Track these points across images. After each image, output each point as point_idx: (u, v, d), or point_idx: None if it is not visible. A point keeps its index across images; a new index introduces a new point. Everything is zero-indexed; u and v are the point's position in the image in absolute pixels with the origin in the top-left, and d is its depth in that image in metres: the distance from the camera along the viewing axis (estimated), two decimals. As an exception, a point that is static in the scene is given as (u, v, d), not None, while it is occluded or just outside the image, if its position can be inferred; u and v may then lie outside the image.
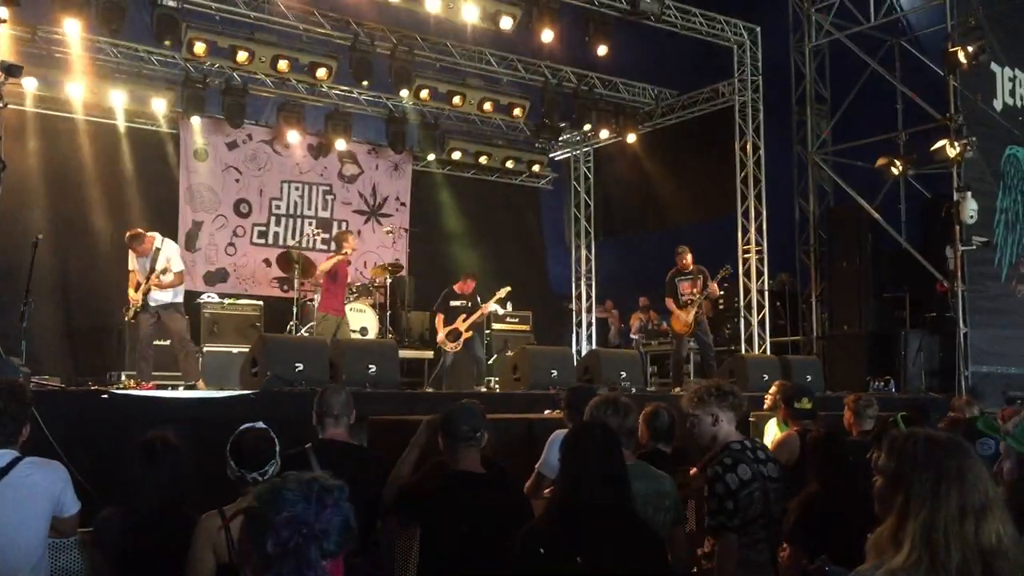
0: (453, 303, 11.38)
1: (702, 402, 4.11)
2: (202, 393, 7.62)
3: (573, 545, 3.13)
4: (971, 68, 11.85)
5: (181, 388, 8.37)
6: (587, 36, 12.39)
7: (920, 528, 2.15)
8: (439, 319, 11.40)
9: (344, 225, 15.13)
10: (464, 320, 11.29)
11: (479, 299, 11.51)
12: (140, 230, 9.05)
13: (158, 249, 8.83)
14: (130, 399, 6.51)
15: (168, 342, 9.25)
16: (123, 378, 10.46)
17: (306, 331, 11.21)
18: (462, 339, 11.22)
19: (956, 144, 11.57)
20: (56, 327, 12.24)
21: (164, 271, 8.67)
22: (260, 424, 3.78)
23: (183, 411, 6.55)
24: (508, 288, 11.79)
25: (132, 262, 9.00)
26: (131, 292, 8.96)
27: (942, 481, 2.18)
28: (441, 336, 11.25)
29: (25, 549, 3.62)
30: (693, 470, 4.27)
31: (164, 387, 8.13)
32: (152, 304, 8.76)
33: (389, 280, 12.80)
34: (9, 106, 7.17)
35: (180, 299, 9.05)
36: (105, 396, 6.42)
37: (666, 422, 5.02)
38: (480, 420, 3.95)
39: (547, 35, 11.90)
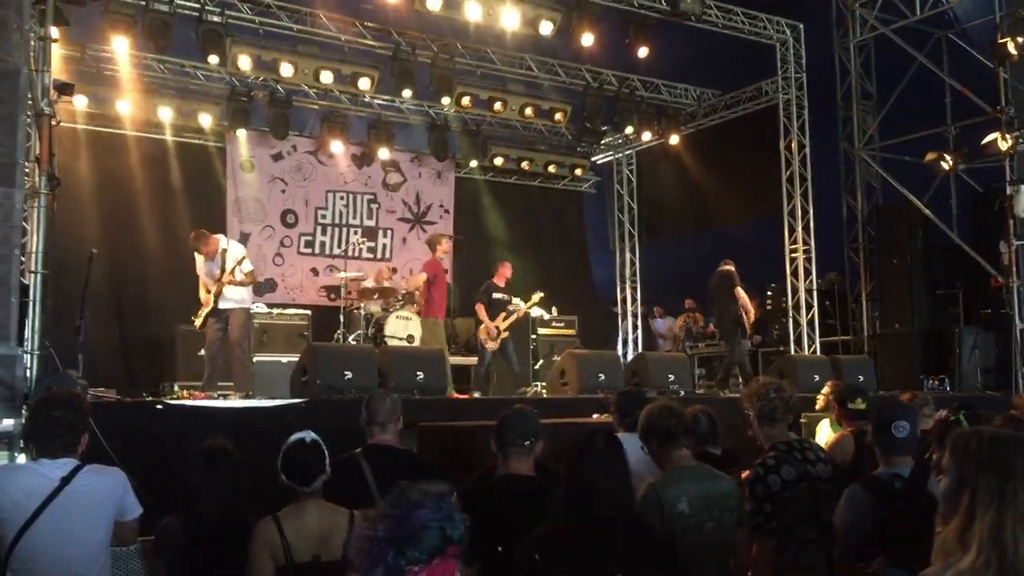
0: (496, 296, 11.32)
1: (750, 402, 4.10)
2: (253, 402, 7.70)
3: (574, 551, 3.10)
4: (1021, 60, 11.60)
5: (233, 397, 8.48)
6: (627, 38, 12.32)
7: (987, 529, 2.10)
8: (481, 309, 11.22)
9: (390, 234, 15.26)
10: (504, 319, 11.31)
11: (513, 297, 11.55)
12: (204, 231, 9.14)
13: (224, 250, 8.90)
14: (183, 409, 6.62)
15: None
16: (176, 388, 10.62)
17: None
18: (500, 338, 11.21)
19: (1008, 137, 11.35)
20: (110, 339, 12.48)
21: (240, 262, 8.72)
22: (310, 435, 3.79)
23: (235, 420, 6.63)
24: (541, 294, 11.73)
25: (199, 266, 9.04)
26: (202, 294, 8.98)
27: (1009, 481, 2.13)
28: (487, 324, 11.09)
29: (88, 556, 3.68)
30: (744, 473, 4.23)
31: (215, 397, 8.23)
32: (222, 307, 8.79)
33: (434, 287, 12.84)
34: (62, 124, 7.31)
35: (250, 305, 9.14)
36: (160, 407, 6.52)
37: (705, 425, 4.99)
38: (533, 426, 3.93)
39: (587, 39, 11.88)
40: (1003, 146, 11.39)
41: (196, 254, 9.07)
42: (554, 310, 13.63)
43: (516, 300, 11.52)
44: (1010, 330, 11.62)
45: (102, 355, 11.96)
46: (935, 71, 13.44)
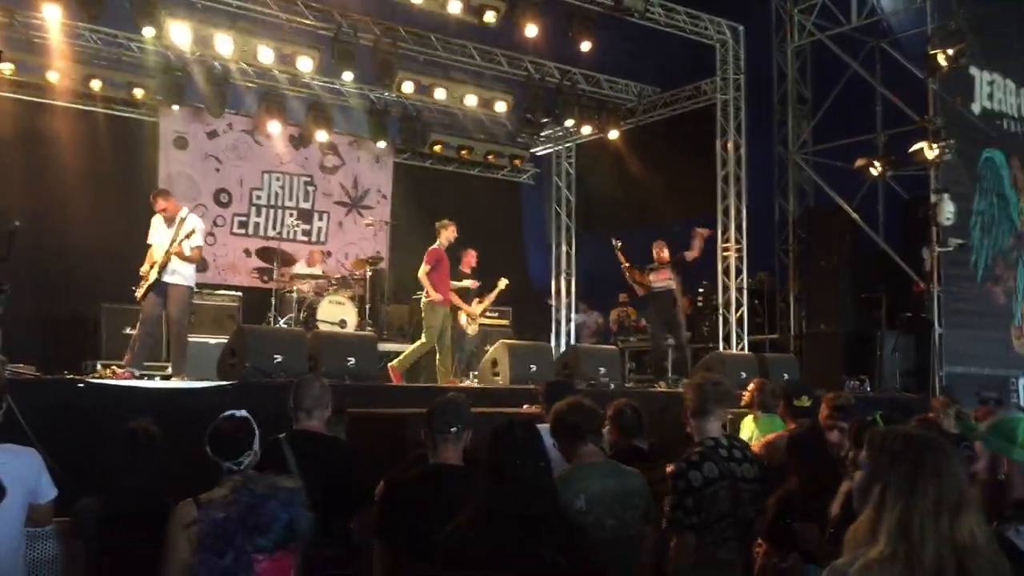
0: (463, 283, 11.41)
1: (687, 394, 4.16)
2: (179, 384, 7.58)
3: (493, 543, 3.11)
4: (950, 71, 11.95)
5: (157, 378, 8.31)
6: (570, 31, 12.35)
7: (896, 521, 2.17)
8: (455, 299, 11.13)
9: (326, 217, 15.11)
10: (479, 303, 11.34)
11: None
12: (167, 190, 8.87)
13: (183, 219, 8.51)
14: (107, 389, 6.48)
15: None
16: (99, 367, 10.37)
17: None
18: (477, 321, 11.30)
19: (934, 146, 11.68)
20: (32, 315, 12.06)
21: (189, 235, 8.34)
22: (242, 412, 3.75)
23: (160, 402, 6.52)
24: (506, 281, 11.79)
25: (152, 235, 8.63)
26: (145, 267, 8.57)
27: (919, 476, 2.21)
28: (466, 310, 11.18)
29: (1, 538, 3.59)
30: (670, 467, 4.29)
31: (139, 377, 8.06)
32: (167, 280, 8.40)
33: (369, 273, 12.79)
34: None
35: (193, 284, 8.85)
36: (81, 385, 6.37)
37: (631, 418, 5.02)
38: (462, 415, 3.94)
39: (531, 30, 11.87)
40: (930, 155, 11.72)
41: (155, 218, 8.65)
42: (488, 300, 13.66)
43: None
44: (930, 335, 12.00)
45: (23, 331, 11.52)
46: (868, 79, 13.75)
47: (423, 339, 10.22)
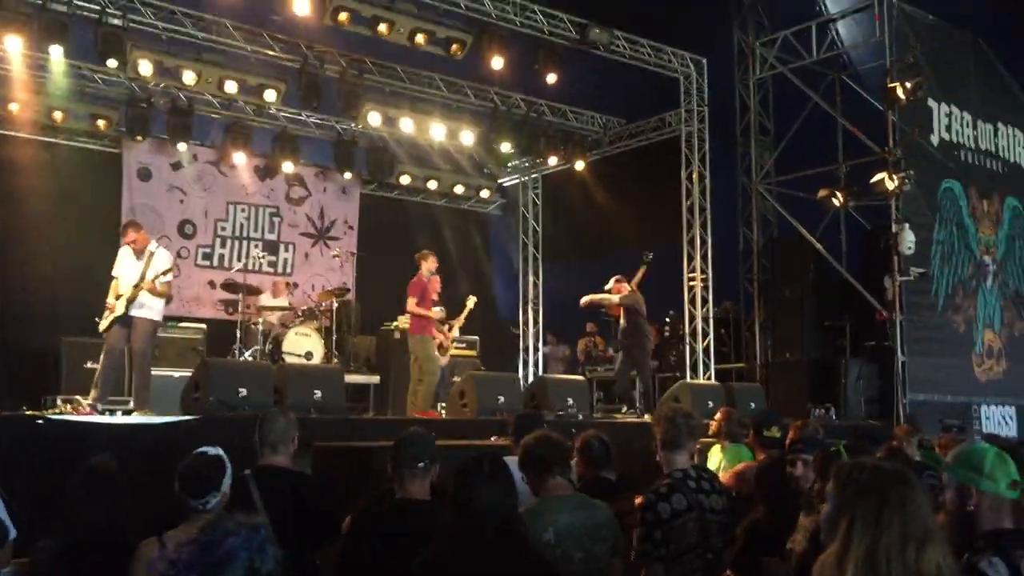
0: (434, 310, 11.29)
1: (658, 427, 4.16)
2: (141, 419, 7.46)
3: (458, 573, 3.09)
4: (909, 103, 12.19)
5: (119, 413, 8.17)
6: (536, 64, 12.47)
7: (864, 555, 2.18)
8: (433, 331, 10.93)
9: (292, 248, 15.03)
10: (449, 331, 11.24)
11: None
12: (138, 222, 8.76)
13: (152, 253, 8.41)
14: (66, 425, 6.36)
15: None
16: (59, 402, 10.18)
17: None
18: (448, 351, 11.19)
19: (894, 177, 11.86)
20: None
21: (166, 272, 8.30)
22: (215, 451, 3.70)
23: (122, 437, 6.41)
24: (474, 298, 11.72)
25: (118, 268, 8.49)
26: (110, 299, 8.39)
27: (885, 508, 2.22)
28: (438, 342, 10.89)
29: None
30: (638, 499, 4.28)
31: (102, 412, 7.92)
32: (133, 313, 8.25)
33: (336, 304, 12.71)
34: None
35: (161, 318, 8.73)
36: (40, 422, 6.25)
37: (599, 450, 5.00)
38: (428, 449, 3.92)
39: (497, 62, 11.96)
40: (890, 186, 11.90)
41: (123, 249, 8.52)
42: (456, 331, 13.61)
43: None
44: (892, 363, 12.13)
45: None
46: (829, 111, 13.98)
47: (427, 372, 10.03)
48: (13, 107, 12.04)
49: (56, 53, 11.29)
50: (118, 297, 8.35)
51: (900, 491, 2.25)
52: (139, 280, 8.27)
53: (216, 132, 14.24)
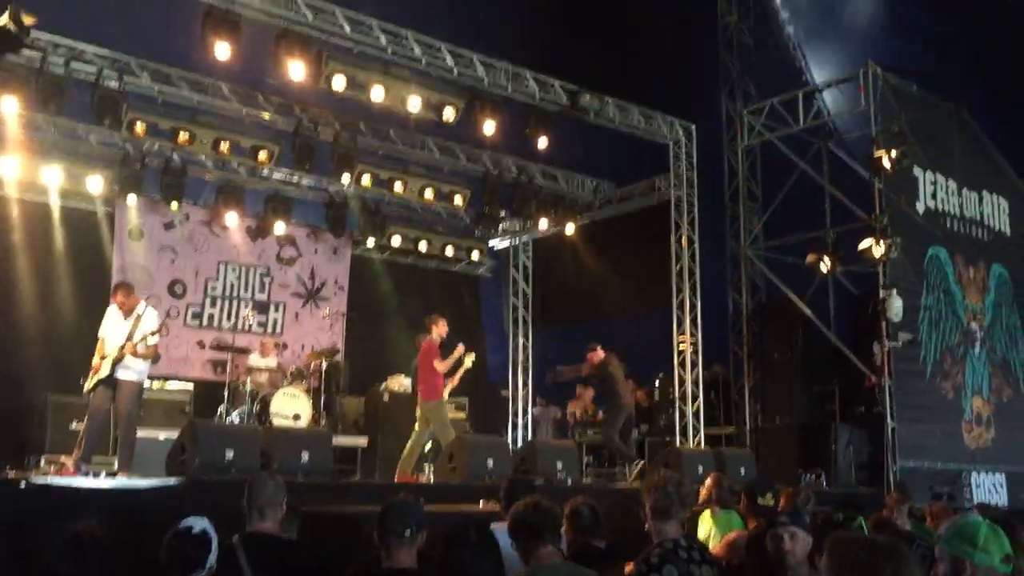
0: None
1: (648, 495, 4.13)
2: (126, 482, 7.37)
3: None
4: (895, 172, 12.37)
5: (103, 475, 8.07)
6: (527, 128, 12.61)
7: None
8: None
9: (282, 308, 15.02)
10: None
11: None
12: (129, 284, 8.81)
13: (139, 316, 8.43)
14: (50, 488, 6.26)
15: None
16: (43, 463, 10.07)
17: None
18: None
19: (881, 244, 11.98)
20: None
21: (155, 333, 8.30)
22: (201, 524, 3.65)
23: (106, 501, 6.32)
24: (472, 354, 11.59)
25: (104, 328, 8.48)
26: (96, 359, 8.37)
27: None
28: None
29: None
30: (628, 567, 4.24)
31: (86, 473, 7.82)
32: (119, 376, 8.26)
33: (325, 365, 12.67)
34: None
35: (145, 380, 8.69)
36: (23, 485, 6.16)
37: (588, 518, 4.94)
38: (415, 516, 3.88)
39: (489, 126, 12.09)
40: (877, 252, 12.02)
41: (111, 308, 8.52)
42: (445, 393, 13.56)
43: None
44: (882, 428, 12.12)
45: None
46: (816, 177, 14.15)
47: (444, 438, 10.05)
48: (5, 167, 12.05)
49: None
50: (103, 357, 8.31)
51: (894, 566, 2.24)
52: (126, 341, 8.24)
53: (209, 192, 14.31)
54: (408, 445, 10.21)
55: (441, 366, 10.25)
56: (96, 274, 13.22)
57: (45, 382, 11.78)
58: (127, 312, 8.42)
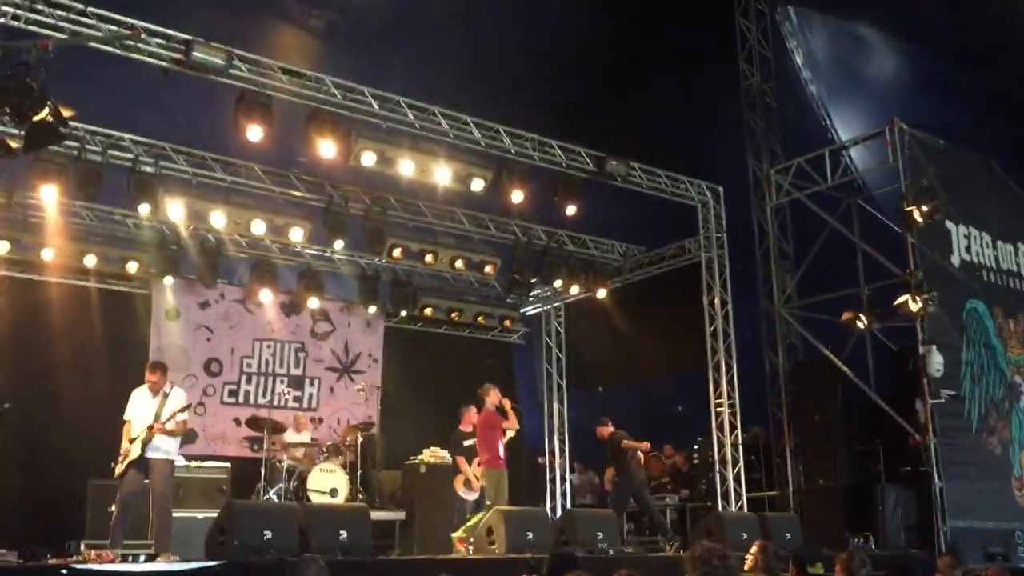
0: (467, 443, 11.37)
1: (692, 568, 4.05)
2: (166, 566, 7.36)
3: None
4: (927, 226, 12.26)
5: (142, 558, 8.06)
6: (555, 196, 12.70)
7: None
8: (461, 460, 11.38)
9: (317, 383, 15.10)
10: (479, 464, 11.16)
11: None
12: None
13: (166, 394, 8.57)
14: (92, 574, 6.26)
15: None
16: (82, 548, 10.06)
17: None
18: (478, 484, 11.12)
19: (918, 299, 11.83)
20: (16, 494, 11.83)
21: (183, 410, 8.47)
22: None
23: (146, 586, 6.31)
24: (515, 430, 11.46)
25: (130, 410, 8.63)
26: (124, 444, 8.52)
27: None
28: (466, 473, 11.23)
29: None
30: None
31: (125, 558, 7.81)
32: (150, 455, 8.39)
33: (360, 439, 12.66)
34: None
35: (178, 458, 8.77)
36: (64, 572, 6.17)
37: None
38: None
39: (517, 195, 12.18)
40: (914, 307, 11.86)
41: (137, 391, 8.69)
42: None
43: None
44: (930, 488, 11.81)
45: (7, 511, 11.37)
46: (847, 234, 14.07)
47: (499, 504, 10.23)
48: (46, 253, 12.32)
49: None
50: (131, 440, 8.41)
51: None
52: (153, 420, 8.34)
53: (243, 270, 14.52)
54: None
55: (513, 425, 10.74)
56: (134, 354, 13.35)
57: (85, 467, 11.87)
58: (155, 391, 8.54)
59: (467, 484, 11.24)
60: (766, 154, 15.34)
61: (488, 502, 10.25)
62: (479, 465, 10.78)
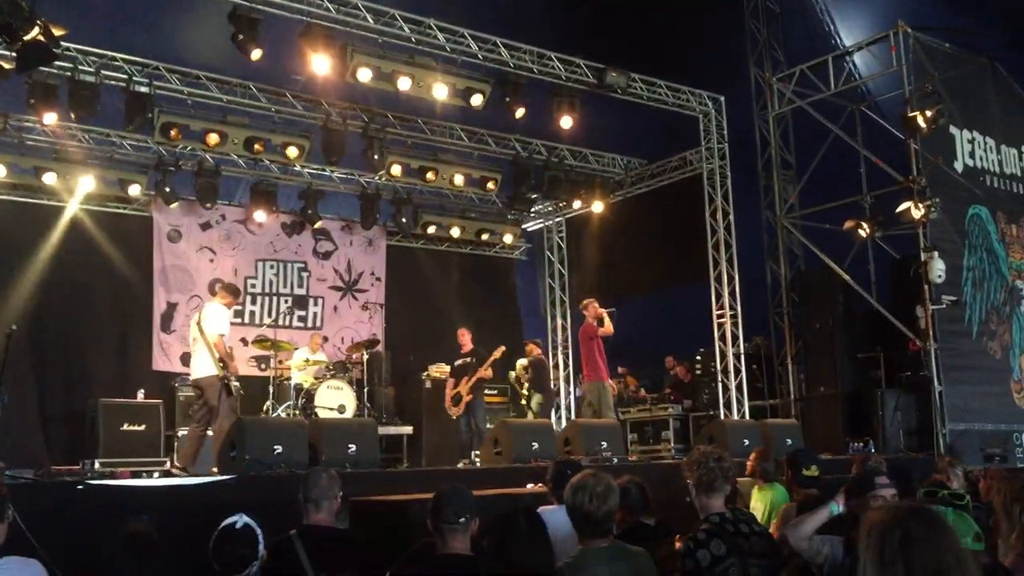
0: (458, 362, 11.65)
1: (690, 471, 4.13)
2: (179, 480, 7.51)
3: None
4: (930, 131, 12.13)
5: (156, 475, 8.24)
6: (555, 109, 12.55)
7: None
8: (449, 384, 11.89)
9: (321, 302, 15.16)
10: (466, 382, 11.41)
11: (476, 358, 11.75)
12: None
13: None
14: (106, 489, 6.40)
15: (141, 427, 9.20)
16: (97, 466, 10.29)
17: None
18: (463, 403, 11.37)
19: (920, 205, 11.79)
20: (30, 415, 11.99)
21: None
22: (242, 519, 3.71)
23: (160, 499, 6.45)
24: (503, 348, 11.89)
25: (225, 324, 9.21)
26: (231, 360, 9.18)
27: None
28: (447, 400, 11.47)
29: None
30: (678, 543, 4.25)
31: (139, 474, 7.99)
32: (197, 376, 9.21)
33: (366, 356, 12.78)
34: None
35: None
36: (80, 487, 6.30)
37: (636, 496, 4.97)
38: (468, 503, 3.92)
39: (516, 110, 12.06)
40: (916, 214, 11.83)
41: (219, 307, 9.28)
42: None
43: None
44: (930, 392, 11.96)
45: (21, 431, 11.54)
46: (850, 142, 13.95)
47: (608, 417, 10.91)
48: (47, 177, 12.24)
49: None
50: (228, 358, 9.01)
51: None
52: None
53: (243, 191, 14.46)
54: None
55: (605, 329, 11.30)
56: (138, 277, 13.44)
57: (96, 386, 12.06)
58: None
59: (454, 401, 11.56)
60: (768, 62, 15.13)
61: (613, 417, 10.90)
62: (583, 380, 11.26)
